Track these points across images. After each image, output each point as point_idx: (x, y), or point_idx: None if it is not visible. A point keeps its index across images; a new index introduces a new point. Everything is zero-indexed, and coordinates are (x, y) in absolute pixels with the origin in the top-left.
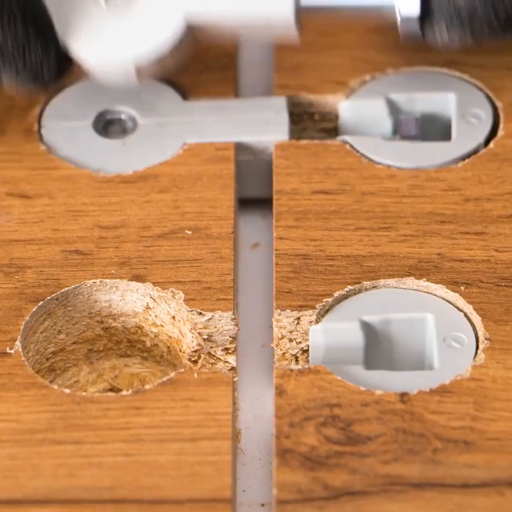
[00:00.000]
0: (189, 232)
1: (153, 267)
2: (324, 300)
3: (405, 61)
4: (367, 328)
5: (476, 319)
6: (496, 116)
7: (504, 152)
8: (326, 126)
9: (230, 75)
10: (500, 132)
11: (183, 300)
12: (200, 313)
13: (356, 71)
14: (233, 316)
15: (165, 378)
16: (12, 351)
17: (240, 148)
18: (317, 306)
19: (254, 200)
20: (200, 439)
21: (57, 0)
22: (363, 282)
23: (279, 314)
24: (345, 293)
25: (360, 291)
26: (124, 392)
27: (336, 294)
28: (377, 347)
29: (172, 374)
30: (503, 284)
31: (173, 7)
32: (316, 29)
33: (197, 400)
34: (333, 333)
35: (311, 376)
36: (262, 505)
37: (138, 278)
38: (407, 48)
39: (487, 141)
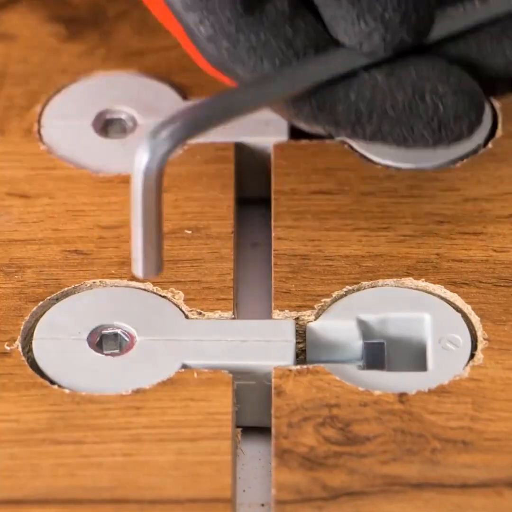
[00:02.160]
0: (189, 232)
1: None
2: (323, 300)
3: None
4: (364, 327)
5: (475, 319)
6: (495, 116)
7: (503, 152)
8: None
9: None
10: (499, 133)
11: (183, 300)
12: (200, 313)
13: None
14: (233, 316)
15: (165, 378)
16: (12, 351)
17: (240, 148)
18: (315, 306)
19: (254, 200)
20: (200, 439)
21: None
22: (361, 282)
23: (278, 314)
24: (344, 293)
25: (358, 291)
26: (124, 392)
27: (334, 294)
28: (374, 346)
29: (172, 373)
30: (502, 284)
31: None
32: None
33: (197, 400)
34: (330, 330)
35: (310, 376)
36: (262, 505)
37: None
38: None
39: (486, 141)
